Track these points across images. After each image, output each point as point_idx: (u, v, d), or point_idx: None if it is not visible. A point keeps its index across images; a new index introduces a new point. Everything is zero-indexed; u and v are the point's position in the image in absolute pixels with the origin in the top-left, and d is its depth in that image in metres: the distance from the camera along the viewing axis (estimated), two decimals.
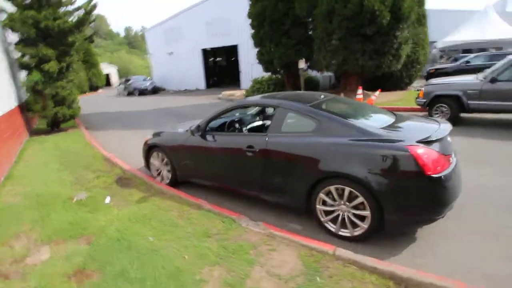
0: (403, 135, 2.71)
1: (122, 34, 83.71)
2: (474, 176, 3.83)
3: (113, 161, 5.90)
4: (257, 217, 3.34)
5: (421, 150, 2.47)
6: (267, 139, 3.21)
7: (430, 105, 7.02)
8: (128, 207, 3.90)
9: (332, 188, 2.80)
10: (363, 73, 10.75)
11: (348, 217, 2.80)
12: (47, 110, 9.35)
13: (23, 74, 9.83)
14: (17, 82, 9.42)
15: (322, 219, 2.97)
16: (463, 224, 2.96)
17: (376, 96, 9.24)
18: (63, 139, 8.68)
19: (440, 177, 2.44)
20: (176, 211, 3.66)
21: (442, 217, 2.58)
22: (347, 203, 2.76)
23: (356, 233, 2.79)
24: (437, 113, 6.91)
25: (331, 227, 2.94)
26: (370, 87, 12.05)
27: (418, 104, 7.40)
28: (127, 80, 26.27)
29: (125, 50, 65.44)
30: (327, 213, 2.93)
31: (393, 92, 12.50)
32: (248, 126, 4.40)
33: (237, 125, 4.21)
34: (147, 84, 24.64)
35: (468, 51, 17.67)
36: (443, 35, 16.29)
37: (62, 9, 9.69)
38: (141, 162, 5.04)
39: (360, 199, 2.65)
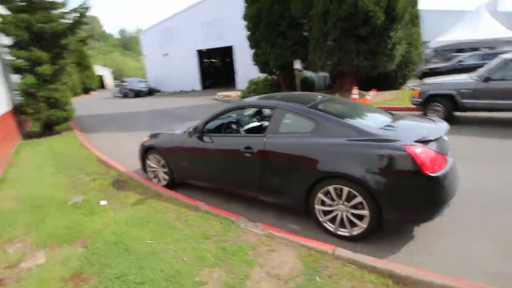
0: (400, 134, 2.73)
1: (116, 35, 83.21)
2: (470, 174, 3.86)
3: (109, 163, 5.85)
4: (255, 218, 3.33)
5: (418, 149, 2.48)
6: (265, 140, 3.20)
7: (425, 104, 7.08)
8: (124, 210, 3.86)
9: (330, 188, 2.80)
10: (358, 73, 10.82)
11: (347, 216, 2.80)
12: (40, 112, 9.25)
13: (16, 77, 9.71)
14: (10, 85, 9.29)
15: (320, 219, 2.97)
16: (459, 222, 2.98)
17: (371, 96, 9.31)
18: (57, 141, 8.59)
19: (438, 176, 2.46)
20: (173, 213, 3.64)
21: (440, 215, 2.60)
22: (346, 203, 2.77)
23: (354, 233, 2.79)
24: (432, 112, 6.97)
25: (330, 227, 2.94)
26: (365, 87, 12.11)
27: (413, 104, 7.46)
28: (122, 82, 26.08)
29: (119, 52, 64.99)
30: (326, 213, 2.93)
31: (387, 91, 12.58)
32: (246, 127, 4.39)
33: (234, 126, 4.20)
34: (142, 86, 24.49)
35: (460, 50, 17.89)
36: (436, 35, 16.48)
37: (55, 12, 9.59)
38: (137, 164, 5.01)
39: (359, 198, 2.66)
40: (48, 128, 9.97)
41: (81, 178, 5.26)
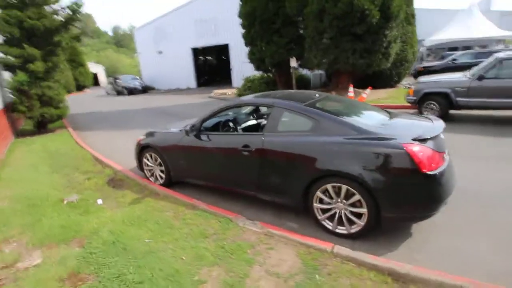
0: (398, 133, 2.74)
1: (110, 32, 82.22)
2: (465, 171, 3.91)
3: (104, 162, 5.79)
4: (253, 217, 3.33)
5: (416, 147, 2.50)
6: (263, 138, 3.20)
7: (420, 102, 7.15)
8: (121, 209, 3.83)
9: (329, 186, 2.81)
10: (354, 71, 10.87)
11: (345, 214, 2.82)
12: (33, 110, 9.11)
13: (7, 74, 9.55)
14: (1, 82, 9.14)
15: (319, 217, 2.98)
16: (456, 220, 3.02)
17: (367, 94, 9.35)
18: (51, 140, 8.48)
19: (435, 174, 2.48)
20: (171, 211, 3.62)
21: (437, 213, 2.63)
22: (344, 201, 2.78)
23: (353, 230, 2.81)
24: (427, 110, 7.05)
25: (328, 224, 2.95)
26: (361, 85, 12.18)
27: (408, 102, 7.52)
28: (116, 79, 25.78)
29: (113, 49, 64.27)
30: (324, 211, 2.95)
31: (383, 90, 12.67)
32: (243, 126, 4.39)
33: (231, 125, 4.19)
34: (137, 83, 24.23)
35: (454, 49, 18.08)
36: (430, 34, 16.61)
37: (48, 8, 9.43)
38: (133, 163, 4.97)
39: (357, 196, 2.67)
40: (42, 126, 9.84)
41: (76, 177, 5.21)
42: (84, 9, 9.75)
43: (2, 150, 7.11)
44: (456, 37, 15.75)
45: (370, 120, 3.10)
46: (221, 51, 28.06)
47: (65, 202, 4.10)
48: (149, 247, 2.90)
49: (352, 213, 2.78)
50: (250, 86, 14.58)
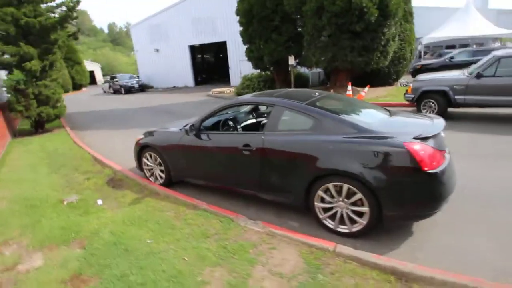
0: (398, 131, 2.75)
1: (106, 30, 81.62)
2: (464, 169, 3.93)
3: (103, 161, 5.76)
4: (254, 216, 3.34)
5: (417, 146, 2.50)
6: (263, 137, 3.19)
7: (418, 100, 7.17)
8: (121, 209, 3.81)
9: (330, 185, 2.81)
10: (352, 69, 10.87)
11: (347, 213, 2.82)
12: (30, 110, 9.05)
13: (2, 73, 9.46)
14: None
15: (320, 216, 2.98)
16: (456, 218, 3.03)
17: (366, 92, 9.36)
18: (49, 140, 8.43)
19: (437, 172, 2.49)
20: (172, 212, 3.61)
21: (439, 211, 2.63)
22: (346, 200, 2.78)
23: (354, 229, 2.82)
24: (425, 108, 7.07)
25: (330, 224, 2.96)
26: (359, 83, 12.19)
27: (407, 100, 7.54)
28: (113, 78, 25.63)
29: (109, 47, 63.85)
30: (326, 210, 2.95)
31: (381, 88, 12.69)
32: (242, 124, 4.38)
33: (231, 124, 4.17)
34: (134, 82, 24.10)
35: (451, 47, 18.15)
36: (427, 32, 16.64)
37: (43, 6, 9.34)
38: (131, 163, 4.94)
39: (359, 195, 2.68)
40: (39, 126, 9.77)
41: (75, 177, 5.18)
42: (80, 6, 9.62)
43: (0, 150, 7.05)
44: (453, 35, 15.81)
45: (371, 118, 3.09)
46: (219, 49, 27.96)
47: (64, 202, 4.07)
48: (150, 247, 2.89)
49: (354, 212, 2.78)
50: (248, 84, 14.55)
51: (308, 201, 3.01)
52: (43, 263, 2.81)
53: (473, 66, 6.78)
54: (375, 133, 2.72)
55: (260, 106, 4.68)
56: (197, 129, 3.83)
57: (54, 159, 6.34)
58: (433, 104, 6.95)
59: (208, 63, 32.09)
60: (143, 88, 24.47)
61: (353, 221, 2.82)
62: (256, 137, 3.28)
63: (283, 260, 2.57)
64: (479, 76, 6.27)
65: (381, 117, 3.19)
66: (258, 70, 14.44)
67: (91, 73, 40.47)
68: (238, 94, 14.37)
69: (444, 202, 2.63)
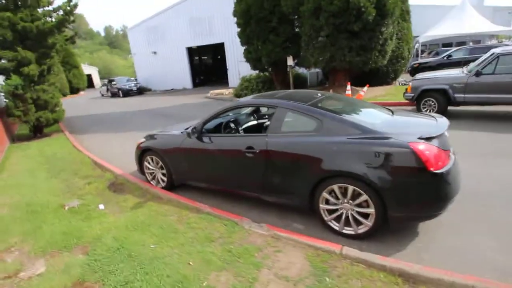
0: (402, 131, 2.74)
1: (102, 33, 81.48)
2: (464, 168, 3.91)
3: (103, 165, 5.72)
4: (257, 219, 3.31)
5: (422, 146, 2.49)
6: (267, 139, 3.17)
7: (418, 99, 7.17)
8: (124, 214, 3.78)
9: (335, 187, 2.79)
10: (351, 69, 10.88)
11: (352, 215, 2.81)
12: (28, 115, 8.99)
13: (0, 79, 9.40)
14: None
15: (325, 218, 2.96)
16: (460, 217, 3.02)
17: (365, 91, 9.36)
18: (48, 144, 8.37)
19: (442, 172, 2.47)
20: (175, 215, 3.58)
21: (445, 211, 2.62)
22: (351, 201, 2.77)
23: (360, 231, 2.80)
24: (425, 107, 7.07)
25: (335, 225, 2.94)
26: (357, 82, 12.20)
27: (406, 99, 7.54)
28: (111, 81, 25.56)
29: (106, 50, 63.71)
30: (331, 212, 2.93)
31: (379, 87, 12.70)
32: (244, 126, 4.35)
33: (233, 126, 4.15)
34: (132, 85, 24.05)
35: (448, 45, 18.22)
36: (424, 30, 16.70)
37: (40, 10, 9.29)
38: (132, 166, 4.91)
39: (364, 197, 2.66)
40: (38, 131, 9.71)
41: (76, 181, 5.14)
42: (76, 10, 9.58)
43: None
44: (450, 33, 15.87)
45: (374, 119, 3.08)
46: (217, 50, 27.94)
47: (66, 208, 4.04)
48: (154, 252, 2.86)
49: (359, 213, 2.76)
50: (247, 85, 14.52)
51: (312, 203, 2.99)
52: (46, 269, 2.78)
53: (472, 64, 6.79)
54: (379, 133, 2.70)
55: (261, 108, 4.66)
56: (199, 132, 3.80)
57: (53, 164, 6.30)
58: (433, 103, 6.95)
59: (206, 64, 32.05)
60: (141, 91, 24.43)
61: (358, 223, 2.80)
62: (259, 139, 3.26)
63: (289, 263, 2.55)
64: (478, 74, 6.28)
65: (384, 117, 3.18)
66: (257, 71, 14.44)
67: (89, 77, 40.35)
68: (237, 95, 14.34)
69: (450, 203, 2.61)
